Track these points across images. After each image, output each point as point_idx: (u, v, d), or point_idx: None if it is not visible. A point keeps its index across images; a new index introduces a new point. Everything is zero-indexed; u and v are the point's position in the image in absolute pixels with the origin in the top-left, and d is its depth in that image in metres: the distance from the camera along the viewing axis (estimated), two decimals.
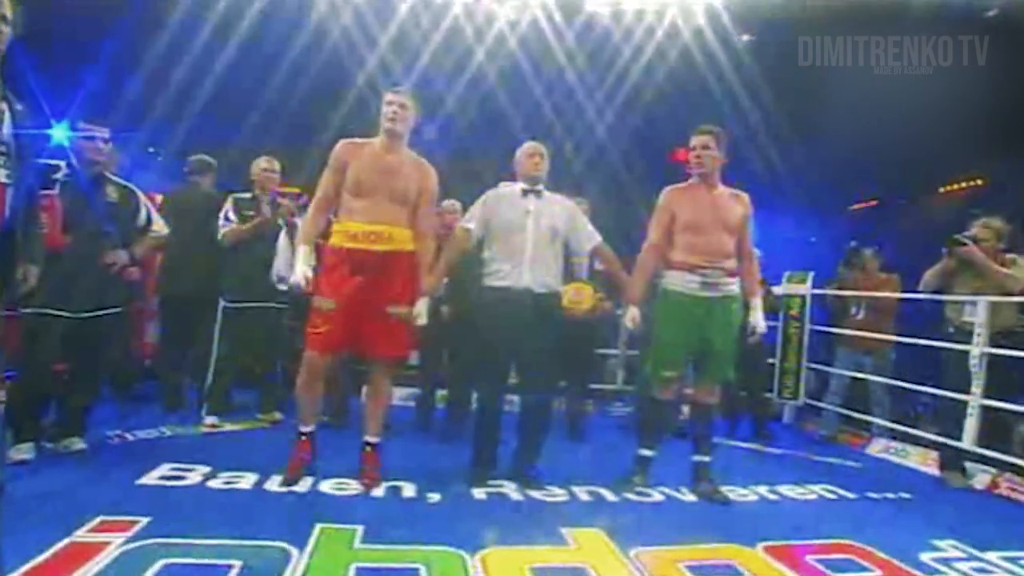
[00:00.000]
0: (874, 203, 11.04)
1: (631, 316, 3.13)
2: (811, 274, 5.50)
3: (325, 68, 7.01)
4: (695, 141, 3.12)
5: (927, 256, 4.02)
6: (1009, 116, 6.66)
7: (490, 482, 3.06)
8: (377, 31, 6.91)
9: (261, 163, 4.11)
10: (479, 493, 2.95)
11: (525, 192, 3.14)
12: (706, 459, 3.20)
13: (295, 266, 2.93)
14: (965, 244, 3.70)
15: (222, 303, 3.98)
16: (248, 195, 4.07)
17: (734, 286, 3.12)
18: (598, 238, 3.24)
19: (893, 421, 4.68)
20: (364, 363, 3.30)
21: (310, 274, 2.89)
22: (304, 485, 2.86)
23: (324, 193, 3.00)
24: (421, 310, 2.95)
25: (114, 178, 3.34)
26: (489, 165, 6.44)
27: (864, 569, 2.37)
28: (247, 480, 2.87)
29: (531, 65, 7.44)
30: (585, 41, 7.19)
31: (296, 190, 4.73)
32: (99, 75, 5.98)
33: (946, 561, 2.48)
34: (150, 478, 2.82)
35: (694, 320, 3.05)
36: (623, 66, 7.44)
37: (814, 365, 5.32)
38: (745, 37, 7.26)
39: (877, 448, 4.52)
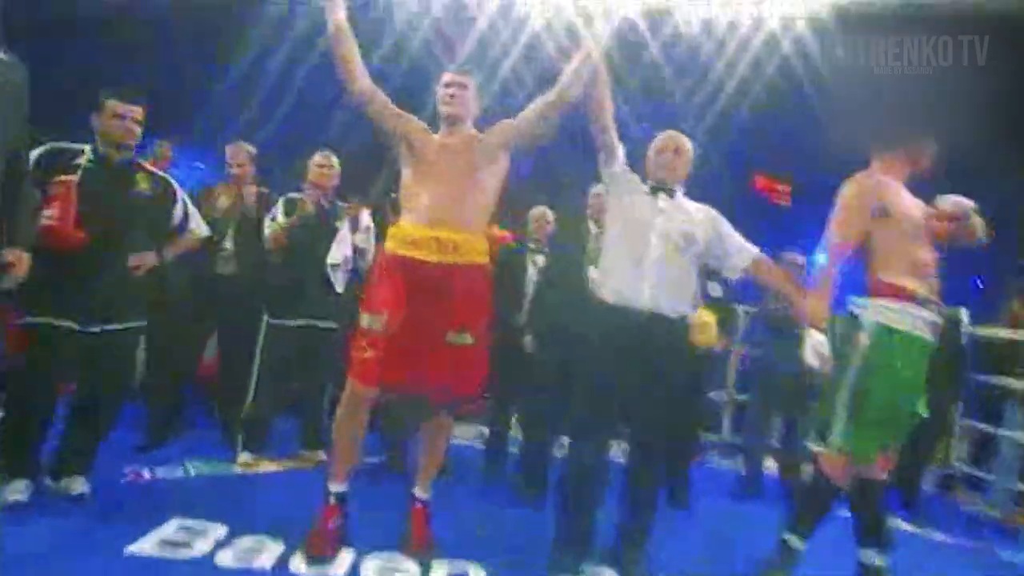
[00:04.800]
0: None
1: (814, 348, 2.31)
2: (965, 309, 4.50)
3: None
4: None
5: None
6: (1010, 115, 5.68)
7: (582, 570, 2.32)
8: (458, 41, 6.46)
9: (317, 159, 3.53)
10: None
11: (655, 190, 2.43)
12: (880, 562, 2.33)
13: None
14: None
15: (265, 319, 3.40)
16: (301, 196, 3.52)
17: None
18: (754, 249, 2.46)
19: None
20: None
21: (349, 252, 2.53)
22: (341, 566, 2.18)
23: None
24: None
25: (148, 166, 2.83)
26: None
27: None
28: (269, 553, 2.20)
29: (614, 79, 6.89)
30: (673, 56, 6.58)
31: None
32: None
33: None
34: (148, 542, 2.18)
35: (920, 372, 2.19)
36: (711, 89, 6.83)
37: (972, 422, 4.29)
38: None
39: None
